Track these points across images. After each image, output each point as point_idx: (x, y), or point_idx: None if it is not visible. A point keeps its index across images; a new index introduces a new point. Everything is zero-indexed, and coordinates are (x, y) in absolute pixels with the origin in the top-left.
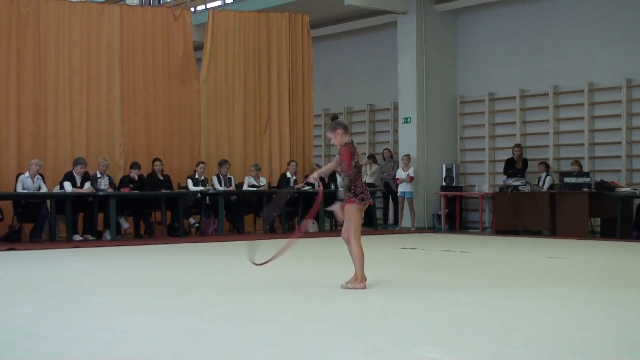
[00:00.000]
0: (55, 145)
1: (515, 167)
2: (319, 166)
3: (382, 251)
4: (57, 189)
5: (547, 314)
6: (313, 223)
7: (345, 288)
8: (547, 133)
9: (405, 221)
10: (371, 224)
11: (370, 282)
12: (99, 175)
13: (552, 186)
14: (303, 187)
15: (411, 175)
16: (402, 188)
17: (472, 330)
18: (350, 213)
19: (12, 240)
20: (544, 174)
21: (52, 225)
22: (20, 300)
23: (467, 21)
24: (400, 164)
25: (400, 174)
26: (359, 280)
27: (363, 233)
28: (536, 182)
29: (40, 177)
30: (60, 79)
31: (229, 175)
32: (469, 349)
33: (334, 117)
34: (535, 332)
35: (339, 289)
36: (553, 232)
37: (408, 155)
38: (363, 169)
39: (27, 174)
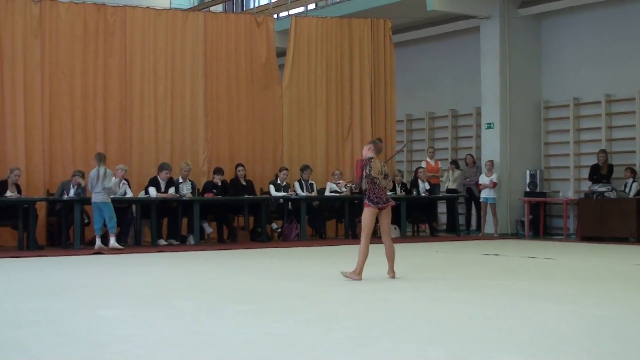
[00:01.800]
0: (140, 151)
1: (600, 172)
2: (400, 172)
3: (464, 257)
4: (142, 194)
5: (633, 323)
6: (395, 229)
7: (343, 275)
8: (634, 138)
9: (488, 227)
10: (453, 229)
11: (452, 287)
12: (181, 180)
13: (639, 192)
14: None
15: (494, 181)
16: (484, 194)
17: (556, 339)
18: (363, 214)
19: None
20: (630, 180)
21: (137, 230)
22: (108, 303)
23: (551, 25)
24: (484, 169)
25: (483, 179)
26: (356, 273)
27: (445, 239)
28: (622, 188)
29: (125, 182)
30: (145, 85)
31: (310, 181)
32: (553, 359)
33: (380, 140)
34: (621, 342)
35: (422, 296)
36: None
37: (491, 161)
38: (445, 174)
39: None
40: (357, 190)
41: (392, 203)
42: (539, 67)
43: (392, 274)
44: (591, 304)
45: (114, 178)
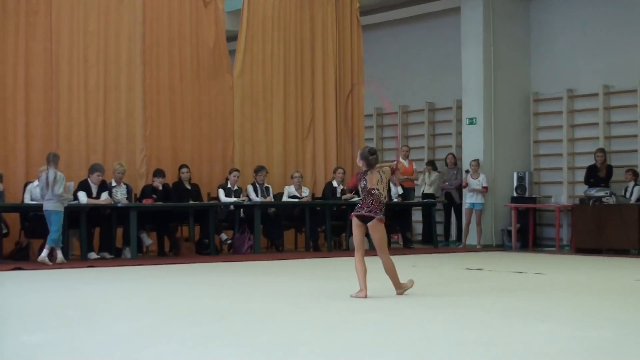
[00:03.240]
0: (68, 150)
1: (598, 175)
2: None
3: (442, 272)
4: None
5: (635, 347)
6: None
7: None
8: (636, 136)
9: (471, 238)
10: (430, 240)
11: (434, 306)
12: (114, 184)
13: None
14: (352, 198)
15: (484, 184)
16: (470, 199)
17: None
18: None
19: (19, 258)
20: (631, 184)
21: (65, 242)
22: (30, 327)
23: (542, 7)
24: (469, 170)
25: (472, 182)
26: (361, 290)
27: (421, 251)
28: (622, 193)
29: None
30: (74, 74)
31: (266, 185)
32: None
33: (374, 151)
34: None
35: (395, 316)
36: None
37: (477, 161)
38: (421, 177)
39: (36, 182)
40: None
41: (378, 217)
42: (528, 55)
43: (399, 291)
44: (587, 324)
45: (70, 182)
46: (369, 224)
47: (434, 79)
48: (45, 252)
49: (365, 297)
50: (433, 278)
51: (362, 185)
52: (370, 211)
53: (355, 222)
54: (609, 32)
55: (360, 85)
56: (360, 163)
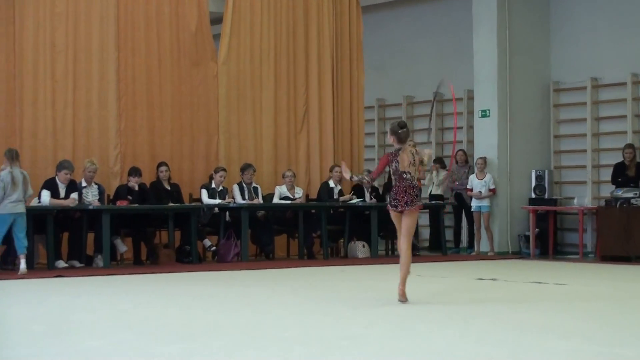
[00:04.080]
0: (33, 145)
1: (626, 174)
2: (369, 173)
3: (452, 282)
4: (35, 202)
5: None
6: (364, 247)
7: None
8: None
9: (484, 244)
10: (439, 247)
11: (438, 320)
12: (84, 184)
13: None
14: (351, 201)
15: (491, 187)
16: (476, 201)
17: None
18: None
19: None
20: None
21: (29, 249)
22: None
23: None
24: (474, 169)
25: (474, 182)
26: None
27: (428, 259)
28: None
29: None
30: (39, 61)
31: (254, 185)
32: None
33: (403, 124)
34: None
35: (400, 332)
36: None
37: (484, 159)
38: (428, 176)
39: None
40: (368, 185)
41: (413, 208)
42: (547, 39)
43: (401, 287)
44: (615, 341)
45: None
46: (406, 212)
47: (441, 66)
48: (23, 264)
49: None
50: (442, 288)
51: (393, 167)
52: (406, 203)
53: (392, 213)
54: (637, 13)
55: (360, 72)
56: (390, 139)
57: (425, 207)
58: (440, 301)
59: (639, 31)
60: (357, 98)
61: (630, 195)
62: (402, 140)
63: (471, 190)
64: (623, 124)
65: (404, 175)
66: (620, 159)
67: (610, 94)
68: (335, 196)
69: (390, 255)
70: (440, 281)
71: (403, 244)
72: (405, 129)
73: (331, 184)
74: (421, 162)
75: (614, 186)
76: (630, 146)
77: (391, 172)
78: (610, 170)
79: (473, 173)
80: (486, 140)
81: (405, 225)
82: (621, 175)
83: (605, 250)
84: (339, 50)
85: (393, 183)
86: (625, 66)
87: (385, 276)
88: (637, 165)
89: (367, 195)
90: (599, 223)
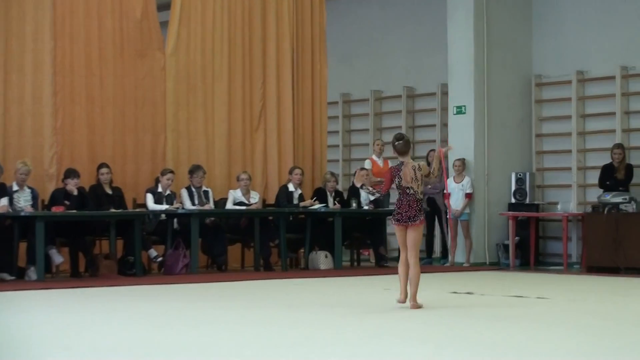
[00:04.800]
0: None
1: (615, 176)
2: (333, 175)
3: (424, 297)
4: None
5: None
6: (326, 257)
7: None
8: None
9: (459, 254)
10: None
11: (407, 340)
12: (16, 187)
13: None
14: (312, 206)
15: (468, 191)
16: (453, 206)
17: None
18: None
19: None
20: None
21: None
22: None
23: None
24: (451, 172)
25: (452, 186)
26: (412, 301)
27: (398, 271)
28: None
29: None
30: None
31: (205, 188)
32: None
33: (400, 137)
34: None
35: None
36: None
37: (462, 160)
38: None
39: None
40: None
41: (417, 222)
42: (529, 28)
43: (413, 303)
44: None
45: None
46: (408, 227)
47: (413, 58)
48: None
49: (404, 300)
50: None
51: (396, 182)
52: (409, 217)
53: (396, 227)
54: (627, 2)
55: (323, 66)
56: (394, 153)
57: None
58: (408, 318)
59: (629, 20)
60: (320, 93)
61: (619, 200)
62: (400, 152)
63: (449, 195)
64: (611, 122)
65: (408, 191)
66: (608, 160)
67: (597, 88)
68: (295, 201)
69: (356, 267)
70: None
71: (411, 258)
72: (401, 142)
73: (291, 187)
74: (426, 175)
75: (601, 190)
76: (619, 146)
77: (395, 185)
78: (597, 173)
79: (449, 177)
80: (461, 139)
81: (412, 239)
82: (609, 178)
83: (592, 260)
84: (300, 40)
85: (397, 197)
86: (613, 58)
87: (350, 289)
88: (626, 168)
89: (331, 200)
90: (585, 231)
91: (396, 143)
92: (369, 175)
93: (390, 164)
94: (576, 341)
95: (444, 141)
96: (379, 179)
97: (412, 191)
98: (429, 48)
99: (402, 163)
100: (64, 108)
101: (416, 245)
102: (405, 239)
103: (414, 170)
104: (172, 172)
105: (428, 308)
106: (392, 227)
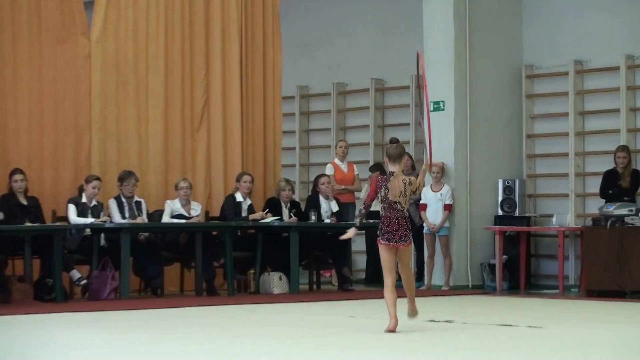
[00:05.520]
0: None
1: (619, 184)
2: (289, 183)
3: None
4: None
5: None
6: (280, 279)
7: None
8: None
9: (437, 276)
10: (378, 280)
11: None
12: None
13: None
14: (264, 219)
15: (447, 202)
16: (430, 220)
17: None
18: (380, 252)
19: None
20: None
21: None
22: None
23: None
24: (429, 179)
25: (428, 195)
26: (391, 323)
27: (365, 296)
28: None
29: None
30: None
31: (137, 199)
32: None
33: (392, 140)
34: None
35: None
36: None
37: (441, 165)
38: (364, 187)
39: None
40: (362, 215)
41: (408, 243)
42: (519, 11)
43: (411, 308)
44: None
45: None
46: (399, 248)
47: (383, 46)
48: None
49: (394, 327)
50: (381, 335)
51: (382, 193)
52: (400, 238)
53: (383, 247)
54: None
55: (277, 54)
56: (386, 162)
57: (360, 227)
58: (377, 349)
59: (635, 1)
60: (273, 86)
61: (624, 212)
62: (391, 157)
63: (425, 207)
64: (615, 121)
65: (395, 206)
66: (611, 166)
67: (598, 81)
68: (244, 213)
69: (315, 290)
70: (380, 324)
71: (403, 273)
72: (392, 145)
73: (238, 197)
74: (413, 192)
75: (603, 200)
76: (623, 149)
77: (380, 199)
78: (598, 180)
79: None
80: (440, 140)
81: (404, 262)
82: (612, 186)
83: (593, 283)
84: (250, 23)
85: (382, 212)
86: (617, 46)
87: (308, 317)
88: (632, 174)
89: (286, 212)
90: (585, 248)
91: (392, 151)
92: (330, 182)
93: (355, 168)
94: None
95: (420, 142)
96: (342, 187)
97: (399, 207)
98: (401, 33)
99: (391, 174)
100: None
101: (409, 265)
102: (393, 261)
103: (405, 184)
104: (98, 179)
105: (401, 339)
106: (358, 244)
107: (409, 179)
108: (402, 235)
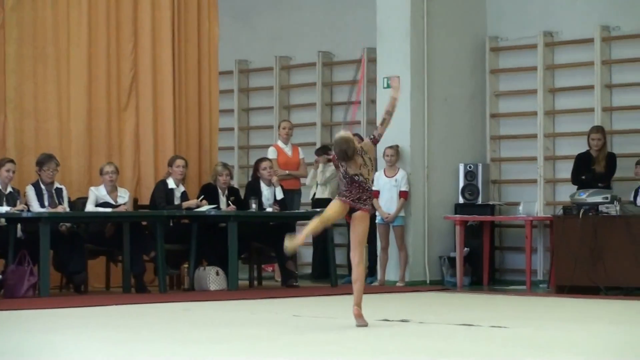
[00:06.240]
0: None
1: (593, 169)
2: (226, 167)
3: (344, 327)
4: None
5: None
6: (217, 274)
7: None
8: None
9: (390, 270)
10: (326, 274)
11: None
12: None
13: None
14: (199, 208)
15: (403, 188)
16: (384, 209)
17: None
18: (330, 205)
19: None
20: None
21: None
22: None
23: None
24: (382, 163)
25: (381, 181)
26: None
27: (311, 293)
28: (631, 197)
29: None
30: None
31: (58, 185)
32: None
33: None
34: None
35: None
36: None
37: (395, 148)
38: (310, 173)
39: None
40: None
41: (366, 208)
42: None
43: (356, 311)
44: None
45: None
46: (353, 215)
47: (330, 15)
48: None
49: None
50: (329, 336)
51: (342, 171)
52: (359, 199)
53: (336, 201)
54: None
55: (213, 25)
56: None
57: (305, 216)
58: (319, 355)
59: None
60: (209, 60)
61: (598, 199)
62: (344, 159)
63: (378, 194)
64: (589, 98)
65: (356, 178)
66: (584, 148)
67: (570, 54)
68: (177, 201)
69: (256, 287)
70: (327, 324)
71: (355, 257)
72: (337, 149)
73: (171, 183)
74: (375, 143)
75: (575, 187)
76: (598, 130)
77: (341, 175)
78: (569, 165)
79: (377, 171)
80: (395, 120)
81: (358, 233)
82: (585, 171)
83: (563, 278)
84: None
85: (344, 186)
86: (591, 16)
87: (248, 316)
88: (607, 158)
89: (223, 200)
90: (555, 240)
91: (335, 150)
92: (272, 167)
93: (301, 152)
94: None
95: (371, 123)
96: (287, 172)
97: (362, 178)
98: (352, 1)
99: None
100: None
101: (363, 241)
102: (335, 218)
103: (361, 154)
104: (12, 161)
105: (349, 340)
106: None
107: (361, 146)
108: (362, 198)
